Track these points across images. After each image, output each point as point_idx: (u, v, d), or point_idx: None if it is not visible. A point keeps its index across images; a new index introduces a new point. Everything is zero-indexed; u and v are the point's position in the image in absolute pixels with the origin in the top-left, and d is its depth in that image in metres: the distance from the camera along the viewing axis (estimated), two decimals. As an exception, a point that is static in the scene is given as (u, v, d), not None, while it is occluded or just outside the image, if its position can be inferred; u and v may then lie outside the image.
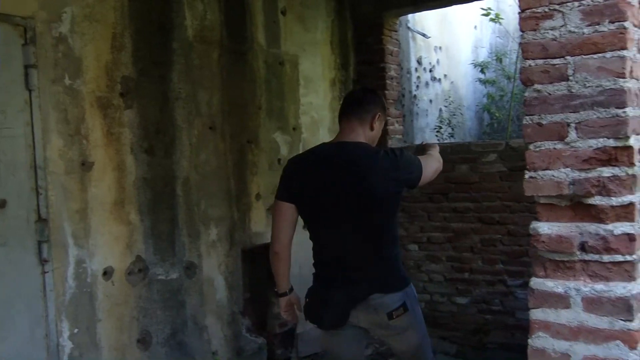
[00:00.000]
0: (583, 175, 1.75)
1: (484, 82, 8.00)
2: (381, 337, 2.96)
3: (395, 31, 5.66)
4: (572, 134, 1.76)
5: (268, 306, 4.76)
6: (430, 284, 5.29)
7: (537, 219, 1.85)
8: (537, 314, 1.82)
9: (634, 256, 1.72)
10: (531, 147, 1.82)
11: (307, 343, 5.00)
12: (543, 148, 1.80)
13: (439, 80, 7.18)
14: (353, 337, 2.79)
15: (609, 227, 1.74)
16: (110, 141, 3.50)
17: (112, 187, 3.51)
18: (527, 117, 1.80)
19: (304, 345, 4.96)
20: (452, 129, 7.05)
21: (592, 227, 1.76)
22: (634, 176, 1.73)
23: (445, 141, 6.72)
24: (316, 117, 5.16)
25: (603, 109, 1.70)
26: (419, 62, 6.73)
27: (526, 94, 1.81)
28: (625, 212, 1.74)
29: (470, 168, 4.99)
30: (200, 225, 4.10)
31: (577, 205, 1.79)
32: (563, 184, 1.77)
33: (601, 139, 1.72)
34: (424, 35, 6.69)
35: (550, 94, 1.77)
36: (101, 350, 3.41)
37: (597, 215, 1.75)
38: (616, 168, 1.73)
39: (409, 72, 6.48)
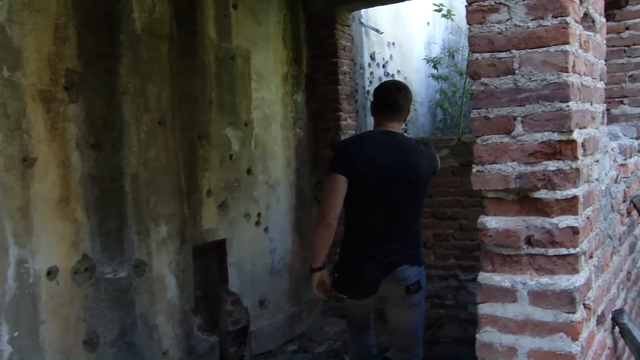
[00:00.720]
0: (529, 169, 1.76)
1: (436, 78, 8.07)
2: (390, 307, 3.25)
3: (348, 26, 5.64)
4: (519, 128, 1.76)
5: (220, 303, 4.70)
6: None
7: (485, 213, 1.85)
8: (484, 309, 1.82)
9: (578, 249, 1.73)
10: (479, 140, 1.82)
11: (261, 340, 4.96)
12: (490, 142, 1.80)
13: (392, 76, 7.20)
14: (371, 301, 3.21)
15: (554, 220, 1.75)
16: (54, 136, 3.38)
17: (56, 183, 3.39)
18: (474, 110, 1.80)
19: (257, 342, 4.91)
20: (406, 125, 7.08)
21: (538, 220, 1.77)
22: (577, 170, 1.75)
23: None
24: (268, 113, 5.10)
25: (548, 103, 1.71)
26: (372, 57, 6.74)
27: (474, 87, 1.80)
28: (569, 206, 1.75)
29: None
30: (149, 223, 4.01)
31: (523, 199, 1.79)
32: (510, 177, 1.78)
33: (546, 133, 1.73)
34: (377, 30, 6.69)
35: (496, 88, 1.77)
36: (44, 353, 3.29)
37: (542, 208, 1.76)
38: (560, 162, 1.74)
39: (362, 67, 6.48)
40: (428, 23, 8.23)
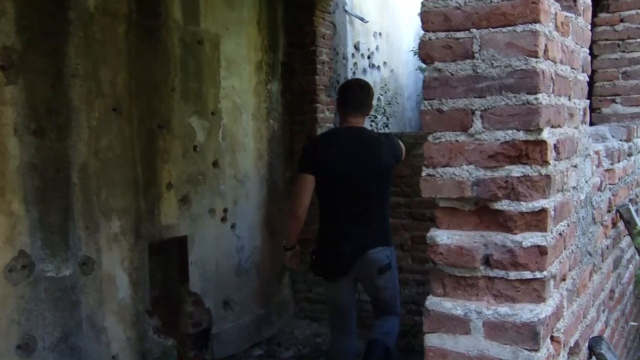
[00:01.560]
0: (489, 174, 1.45)
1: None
2: (366, 285, 3.61)
3: (329, 12, 5.32)
4: (477, 124, 1.45)
5: (180, 304, 4.41)
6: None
7: (435, 226, 1.54)
8: (432, 340, 1.52)
9: (545, 273, 1.43)
10: (430, 138, 1.51)
11: (224, 344, 4.67)
12: (443, 140, 1.49)
13: (378, 67, 6.89)
14: (348, 285, 3.53)
15: (518, 237, 1.45)
16: (-13, 120, 3.07)
17: (-11, 172, 3.08)
18: (426, 101, 1.49)
19: (220, 346, 4.62)
20: (387, 119, 6.76)
21: (498, 237, 1.47)
22: (547, 176, 1.44)
23: (380, 131, 6.43)
24: (239, 102, 4.79)
25: (512, 94, 1.40)
26: (357, 47, 6.42)
27: (425, 74, 1.49)
28: (536, 220, 1.45)
29: (402, 160, 4.69)
30: (100, 217, 3.69)
31: (482, 210, 1.49)
32: (465, 184, 1.47)
33: (510, 131, 1.42)
34: (362, 19, 6.37)
35: (452, 74, 1.47)
36: (-33, 360, 2.99)
37: (504, 222, 1.46)
38: (527, 166, 1.43)
39: (345, 57, 6.16)
40: (418, 14, 7.89)
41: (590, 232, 1.96)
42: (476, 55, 1.43)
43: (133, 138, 3.90)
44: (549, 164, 1.44)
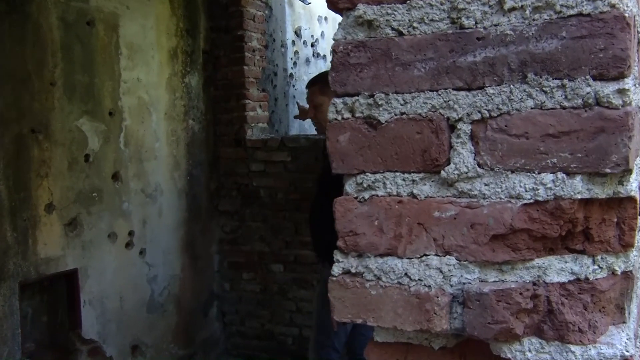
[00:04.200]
0: (493, 278, 0.59)
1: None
2: None
3: (260, -10, 4.44)
4: (463, 156, 0.58)
5: (70, 355, 3.50)
6: (299, 314, 4.16)
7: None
8: None
9: None
10: (348, 187, 0.64)
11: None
12: (380, 193, 0.62)
13: (324, 57, 6.01)
14: None
15: None
16: None
17: None
18: (337, 100, 0.61)
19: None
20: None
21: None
22: (628, 278, 0.58)
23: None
24: (146, 99, 3.88)
25: (555, 82, 0.53)
26: (298, 34, 5.53)
27: (336, 36, 0.62)
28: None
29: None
30: (-58, 255, 2.75)
31: (468, 349, 0.62)
32: (434, 300, 0.60)
33: (547, 175, 0.55)
34: (303, 1, 5.50)
35: (401, 34, 0.59)
36: None
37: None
38: (584, 260, 0.57)
39: (283, 45, 5.27)
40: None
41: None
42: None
43: (-7, 147, 2.96)
44: (632, 250, 0.58)
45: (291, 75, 5.37)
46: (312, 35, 5.81)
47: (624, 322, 0.63)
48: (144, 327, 3.95)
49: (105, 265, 3.64)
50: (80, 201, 3.47)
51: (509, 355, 0.59)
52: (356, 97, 0.63)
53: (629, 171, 0.54)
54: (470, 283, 0.59)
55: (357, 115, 0.63)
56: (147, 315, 3.97)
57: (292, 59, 5.41)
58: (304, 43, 5.62)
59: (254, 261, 4.35)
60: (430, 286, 0.60)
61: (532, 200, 0.57)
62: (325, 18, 6.06)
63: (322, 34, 6.02)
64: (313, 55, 5.81)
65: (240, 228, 4.38)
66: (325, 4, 0.65)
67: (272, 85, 5.02)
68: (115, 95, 3.68)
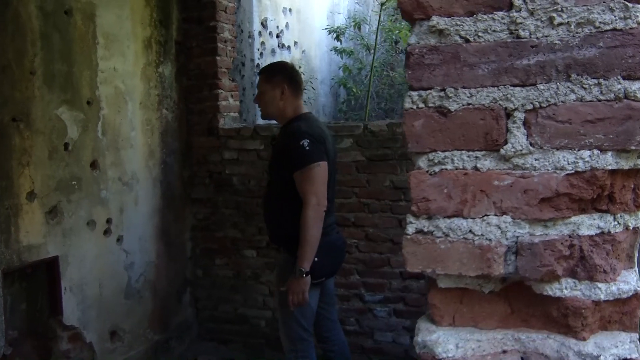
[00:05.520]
0: (540, 232, 0.76)
1: (340, 52, 7.04)
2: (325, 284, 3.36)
3: (230, -18, 4.52)
4: (519, 138, 0.76)
5: (51, 341, 3.55)
6: (271, 297, 4.29)
7: (431, 319, 0.84)
8: None
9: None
10: (421, 162, 0.80)
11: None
12: (449, 167, 0.78)
13: (288, 47, 6.12)
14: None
15: (589, 346, 0.77)
16: None
17: None
18: (412, 93, 0.77)
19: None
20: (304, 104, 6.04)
21: (549, 343, 0.79)
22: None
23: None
24: (122, 88, 3.92)
25: (593, 80, 0.70)
26: (264, 25, 5.63)
27: (411, 40, 0.77)
28: (621, 314, 0.77)
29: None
30: None
31: (514, 292, 0.79)
32: (494, 251, 0.77)
33: (585, 152, 0.72)
34: (269, -8, 5.60)
35: (468, 41, 0.75)
36: None
37: (562, 319, 0.77)
38: (607, 217, 0.74)
39: (251, 36, 5.37)
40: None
41: None
42: (518, 2, 0.72)
43: (-25, 136, 2.99)
44: (645, 209, 0.76)
45: (258, 65, 5.46)
46: (277, 26, 5.91)
47: (631, 267, 0.81)
48: (122, 313, 4.00)
49: (85, 253, 3.68)
50: (61, 189, 3.50)
51: (550, 293, 0.77)
52: (429, 91, 0.79)
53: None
54: (522, 236, 0.76)
55: (430, 105, 0.78)
56: (124, 302, 4.03)
57: (258, 49, 5.51)
58: (269, 34, 5.72)
59: (227, 247, 4.45)
60: (490, 239, 0.77)
61: (573, 171, 0.74)
62: (290, 10, 6.17)
63: (287, 25, 6.13)
64: (278, 45, 5.92)
65: (213, 215, 4.47)
66: (400, 14, 0.79)
67: (241, 76, 5.11)
68: (92, 84, 3.71)
